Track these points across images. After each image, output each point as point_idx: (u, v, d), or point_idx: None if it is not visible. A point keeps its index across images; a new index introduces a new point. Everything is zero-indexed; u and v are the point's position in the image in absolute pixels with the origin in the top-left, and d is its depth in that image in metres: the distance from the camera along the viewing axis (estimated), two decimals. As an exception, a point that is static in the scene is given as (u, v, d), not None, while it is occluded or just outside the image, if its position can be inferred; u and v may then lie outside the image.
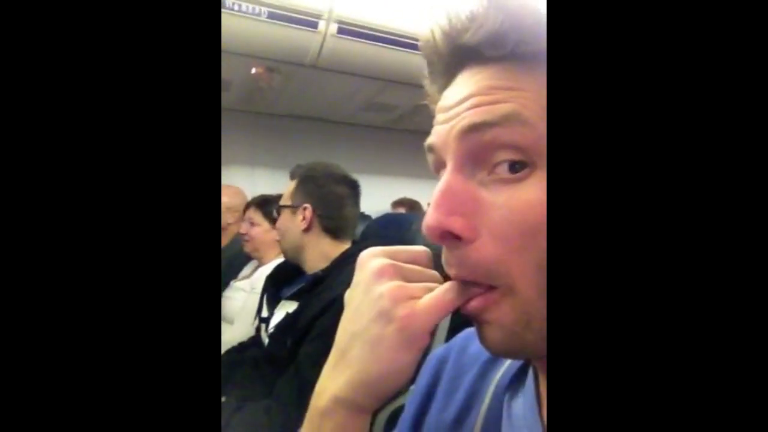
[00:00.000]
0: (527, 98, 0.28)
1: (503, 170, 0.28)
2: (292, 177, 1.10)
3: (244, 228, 1.66)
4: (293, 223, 1.07)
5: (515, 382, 0.38)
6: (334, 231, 1.05)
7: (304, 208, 1.04)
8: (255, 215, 1.62)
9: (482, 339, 0.31)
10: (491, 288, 0.29)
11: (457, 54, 0.32)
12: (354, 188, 1.10)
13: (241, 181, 2.25)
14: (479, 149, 0.29)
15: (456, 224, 0.28)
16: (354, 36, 1.42)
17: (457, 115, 0.30)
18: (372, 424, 0.94)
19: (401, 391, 0.97)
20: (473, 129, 0.29)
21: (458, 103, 0.30)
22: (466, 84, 0.31)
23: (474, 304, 0.30)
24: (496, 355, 0.33)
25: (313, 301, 0.95)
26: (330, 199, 1.05)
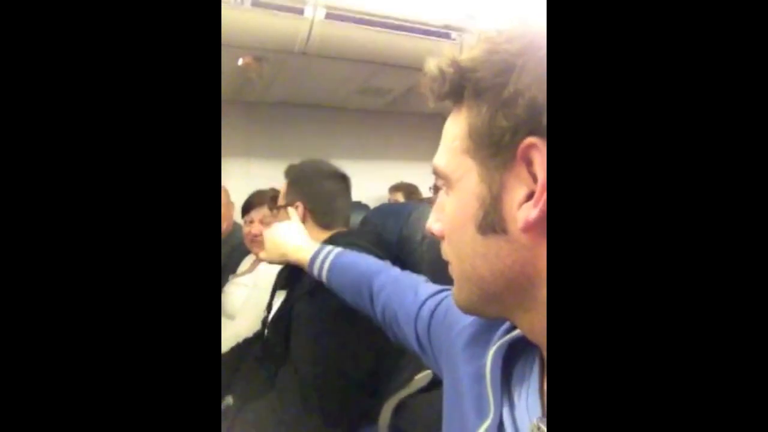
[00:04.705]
0: (443, 142, 0.39)
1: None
2: (286, 176, 1.16)
3: (256, 229, 1.61)
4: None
5: (521, 377, 0.40)
6: (326, 223, 1.11)
7: (297, 206, 1.10)
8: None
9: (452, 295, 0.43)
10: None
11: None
12: (344, 181, 1.15)
13: (237, 173, 2.23)
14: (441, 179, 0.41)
15: (433, 227, 0.43)
16: (342, 20, 1.39)
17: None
18: (379, 412, 0.94)
19: (406, 381, 0.97)
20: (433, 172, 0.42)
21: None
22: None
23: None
24: (459, 307, 0.43)
25: (296, 288, 0.99)
26: (321, 195, 1.11)
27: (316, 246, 0.85)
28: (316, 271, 0.82)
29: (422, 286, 0.66)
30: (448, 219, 0.39)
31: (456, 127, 0.37)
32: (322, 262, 0.81)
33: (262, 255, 0.93)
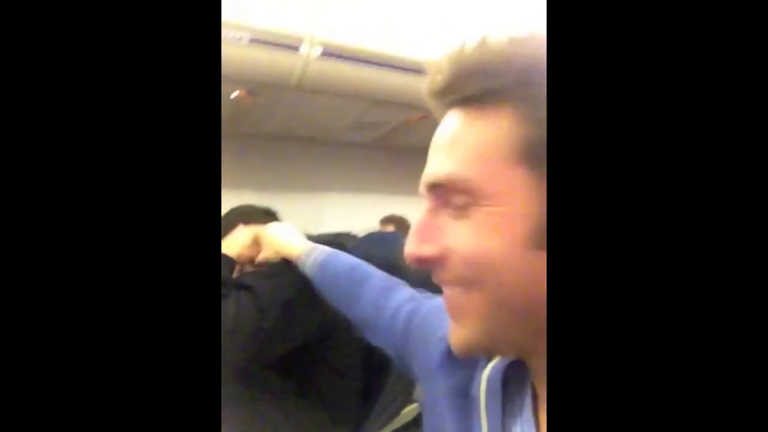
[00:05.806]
0: (467, 149, 0.33)
1: (458, 206, 0.34)
2: None
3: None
4: None
5: (512, 406, 0.38)
6: None
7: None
8: None
9: (452, 337, 0.36)
10: (467, 289, 0.34)
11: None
12: (272, 217, 1.15)
13: (230, 205, 2.22)
14: (441, 195, 0.35)
15: (426, 251, 0.34)
16: (337, 58, 1.43)
17: (428, 167, 0.35)
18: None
19: (398, 412, 0.95)
20: (434, 186, 0.35)
21: (432, 151, 0.36)
22: (441, 128, 0.36)
23: (454, 303, 0.35)
24: (460, 352, 0.37)
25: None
26: None
27: (308, 244, 0.88)
28: (306, 267, 0.84)
29: (397, 291, 0.65)
30: (475, 240, 0.32)
31: (487, 133, 0.32)
32: (315, 258, 0.84)
33: (260, 256, 0.97)
